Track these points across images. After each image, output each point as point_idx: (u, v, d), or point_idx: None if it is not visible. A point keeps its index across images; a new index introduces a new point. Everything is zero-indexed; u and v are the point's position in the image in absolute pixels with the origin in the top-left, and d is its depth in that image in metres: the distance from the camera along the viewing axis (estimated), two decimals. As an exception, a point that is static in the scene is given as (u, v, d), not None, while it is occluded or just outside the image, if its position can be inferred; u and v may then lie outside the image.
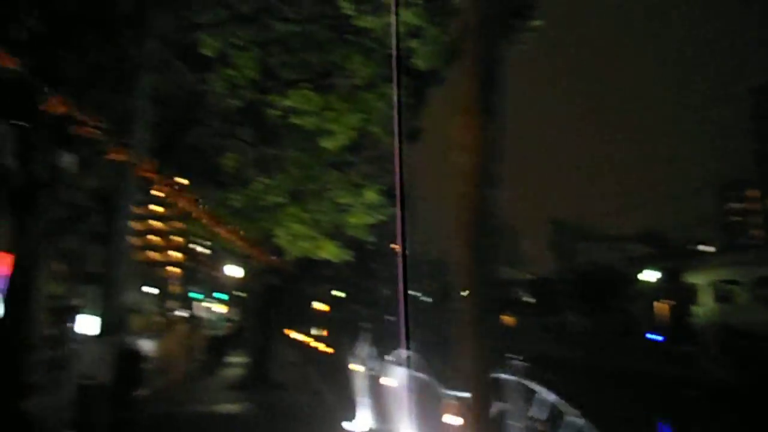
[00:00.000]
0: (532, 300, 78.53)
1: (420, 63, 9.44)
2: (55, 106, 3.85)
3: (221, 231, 9.18)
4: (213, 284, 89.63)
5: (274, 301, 18.13)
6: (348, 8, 8.84)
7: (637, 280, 49.39)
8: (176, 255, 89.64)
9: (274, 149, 12.69)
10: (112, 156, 4.92)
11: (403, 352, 6.76)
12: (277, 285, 17.00)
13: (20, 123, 5.69)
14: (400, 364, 7.17)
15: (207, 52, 9.74)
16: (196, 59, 13.58)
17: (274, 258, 14.12)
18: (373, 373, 8.50)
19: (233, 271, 33.86)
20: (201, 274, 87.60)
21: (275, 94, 10.00)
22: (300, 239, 11.35)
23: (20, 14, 9.98)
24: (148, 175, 5.58)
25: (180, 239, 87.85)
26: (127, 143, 5.21)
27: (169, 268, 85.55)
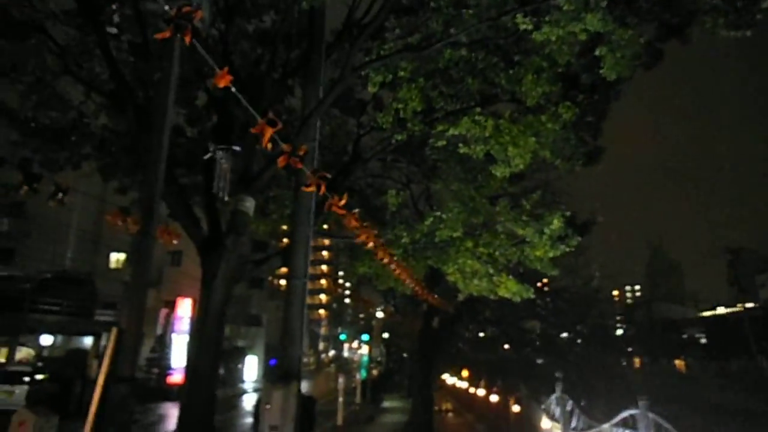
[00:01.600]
0: (706, 341, 68.65)
1: (608, 72, 8.30)
2: (261, 128, 3.57)
3: (397, 269, 8.70)
4: (358, 326, 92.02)
5: (433, 343, 17.28)
6: (524, 23, 8.09)
7: None
8: (324, 297, 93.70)
9: (436, 184, 12.13)
10: (310, 189, 4.58)
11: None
12: (435, 327, 16.15)
13: (237, 149, 5.55)
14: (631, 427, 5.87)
15: (372, 89, 9.56)
16: (351, 104, 13.82)
17: (435, 298, 13.39)
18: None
19: (381, 313, 33.98)
20: (348, 316, 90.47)
21: (444, 123, 9.44)
22: (475, 277, 10.48)
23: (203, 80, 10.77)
24: (337, 210, 5.16)
25: (325, 282, 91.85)
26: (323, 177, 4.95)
27: (317, 312, 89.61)
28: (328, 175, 4.80)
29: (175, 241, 7.71)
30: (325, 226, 12.92)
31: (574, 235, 9.74)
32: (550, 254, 9.73)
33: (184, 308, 36.30)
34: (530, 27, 8.20)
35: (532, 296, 10.86)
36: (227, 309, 8.00)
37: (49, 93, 8.36)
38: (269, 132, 3.78)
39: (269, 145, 4.60)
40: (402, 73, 9.21)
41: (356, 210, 6.20)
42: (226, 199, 4.77)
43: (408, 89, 9.33)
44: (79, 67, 8.32)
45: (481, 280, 10.49)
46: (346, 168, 12.42)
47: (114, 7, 8.71)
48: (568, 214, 9.40)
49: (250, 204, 8.19)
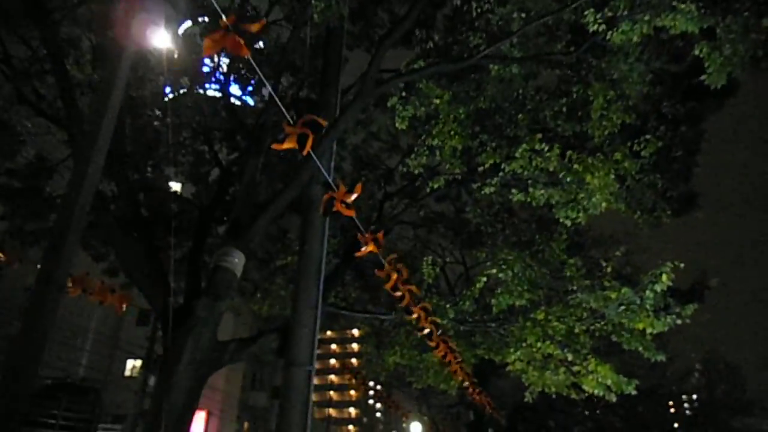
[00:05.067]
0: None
1: (715, 77, 6.25)
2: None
3: (448, 356, 6.22)
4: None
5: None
6: (595, 21, 6.26)
7: None
8: (353, 411, 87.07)
9: (480, 253, 9.82)
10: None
11: None
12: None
13: None
14: None
15: (401, 124, 7.69)
16: (379, 173, 12.10)
17: (488, 401, 10.45)
18: None
19: (417, 428, 29.35)
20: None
21: (493, 156, 7.35)
22: (548, 366, 7.67)
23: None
24: (342, 209, 3.04)
25: (354, 393, 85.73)
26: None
27: (346, 427, 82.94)
28: (321, 121, 2.72)
29: (124, 307, 5.55)
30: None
31: (681, 304, 7.10)
32: (656, 328, 6.97)
33: (198, 422, 33.02)
34: (602, 26, 6.37)
35: (634, 392, 7.87)
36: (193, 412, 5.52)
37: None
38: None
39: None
40: (437, 102, 7.34)
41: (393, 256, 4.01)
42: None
43: (446, 121, 7.42)
44: (39, 97, 6.73)
45: (558, 371, 7.67)
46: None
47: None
48: (681, 265, 6.77)
49: (238, 260, 6.03)
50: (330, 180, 3.24)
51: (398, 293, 4.72)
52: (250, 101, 12.22)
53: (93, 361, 35.59)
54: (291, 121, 2.52)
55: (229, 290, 5.76)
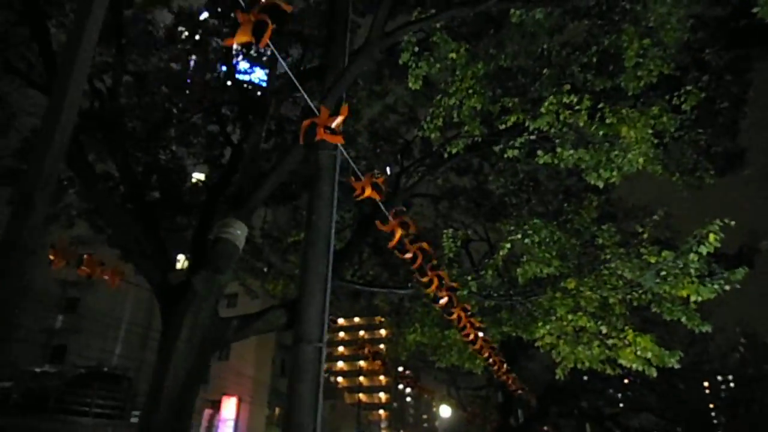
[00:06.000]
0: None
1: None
2: None
3: (469, 330, 5.77)
4: (421, 428, 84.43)
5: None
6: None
7: None
8: (383, 396, 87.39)
9: (503, 225, 9.20)
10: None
11: None
12: (517, 425, 12.35)
13: None
14: None
15: (414, 84, 7.11)
16: (397, 148, 11.56)
17: (516, 380, 9.93)
18: None
19: (446, 409, 28.97)
20: (410, 417, 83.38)
21: (517, 113, 6.72)
22: (580, 340, 7.06)
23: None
24: (324, 135, 2.53)
25: (384, 378, 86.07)
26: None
27: (377, 412, 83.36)
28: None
29: (116, 282, 5.19)
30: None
31: (728, 269, 6.36)
32: (703, 295, 6.25)
33: (230, 408, 33.34)
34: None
35: (677, 365, 7.14)
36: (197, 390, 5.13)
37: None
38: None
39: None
40: (453, 56, 6.73)
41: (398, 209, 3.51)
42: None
43: (464, 78, 6.81)
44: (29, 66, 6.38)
45: (591, 345, 7.04)
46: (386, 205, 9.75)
47: None
48: (732, 223, 6.00)
49: (239, 231, 5.59)
50: (310, 102, 2.72)
51: (408, 255, 4.21)
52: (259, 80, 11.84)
53: (126, 350, 36.30)
54: (243, 7, 2.03)
55: (229, 263, 5.33)
